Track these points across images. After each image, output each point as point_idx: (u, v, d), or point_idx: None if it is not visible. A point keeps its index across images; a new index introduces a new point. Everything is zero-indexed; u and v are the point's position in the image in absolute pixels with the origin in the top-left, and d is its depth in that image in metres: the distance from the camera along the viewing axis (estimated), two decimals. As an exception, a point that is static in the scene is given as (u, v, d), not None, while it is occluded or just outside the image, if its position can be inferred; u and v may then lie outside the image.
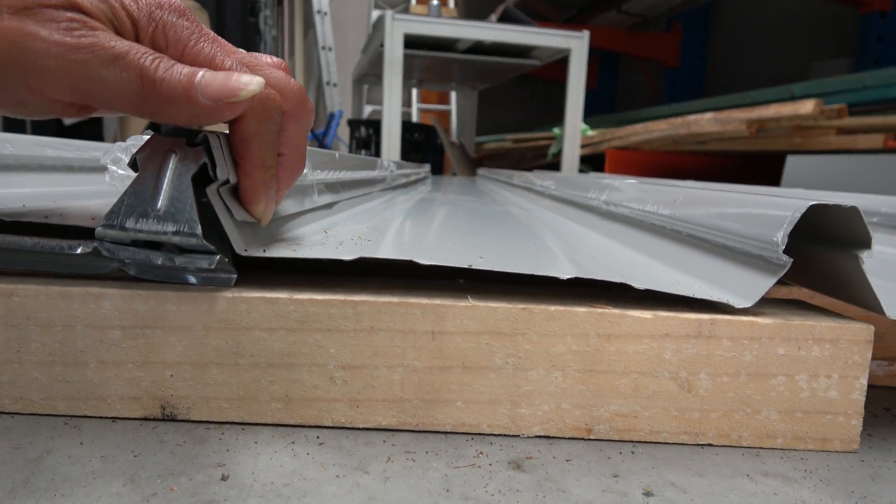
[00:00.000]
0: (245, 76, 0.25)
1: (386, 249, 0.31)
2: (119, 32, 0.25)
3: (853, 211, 0.26)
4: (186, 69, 0.25)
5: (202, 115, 0.25)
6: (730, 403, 0.27)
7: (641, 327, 0.26)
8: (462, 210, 0.65)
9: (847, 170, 1.25)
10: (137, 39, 0.25)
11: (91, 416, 0.27)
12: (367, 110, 3.31)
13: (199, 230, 0.25)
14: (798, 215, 0.26)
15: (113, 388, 0.27)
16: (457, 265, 0.28)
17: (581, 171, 2.05)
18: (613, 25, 3.73)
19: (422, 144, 2.62)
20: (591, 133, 2.23)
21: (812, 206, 0.26)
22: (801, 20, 2.78)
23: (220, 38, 0.27)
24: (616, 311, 0.26)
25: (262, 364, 0.26)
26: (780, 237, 0.26)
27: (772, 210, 0.28)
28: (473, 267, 0.28)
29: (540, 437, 0.27)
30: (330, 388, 0.27)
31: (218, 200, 0.27)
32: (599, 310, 0.26)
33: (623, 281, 0.27)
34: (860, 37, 2.22)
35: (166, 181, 0.26)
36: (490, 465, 0.25)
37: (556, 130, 2.25)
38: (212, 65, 0.26)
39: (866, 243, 0.26)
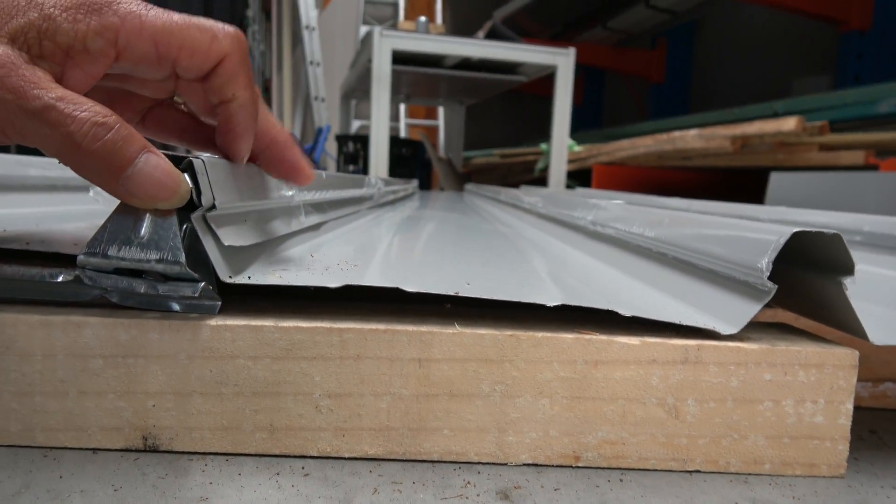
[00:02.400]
0: (182, 180, 0.25)
1: (372, 275, 0.30)
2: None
3: (836, 238, 0.26)
4: (126, 145, 0.23)
5: (119, 196, 0.25)
6: (717, 429, 0.27)
7: (629, 353, 0.26)
8: (449, 229, 0.65)
9: (830, 186, 1.26)
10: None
11: (71, 448, 0.26)
12: (356, 125, 3.32)
13: (182, 258, 0.25)
14: (783, 241, 0.27)
15: (93, 419, 0.26)
16: (443, 292, 0.28)
17: (568, 186, 2.06)
18: (599, 42, 3.78)
19: (410, 159, 2.63)
20: (577, 148, 2.25)
21: (795, 233, 0.26)
22: (782, 38, 2.83)
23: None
24: (603, 337, 0.26)
25: (246, 393, 0.26)
26: (765, 264, 0.26)
27: (756, 234, 0.29)
28: (460, 294, 0.28)
29: (528, 465, 0.27)
30: (315, 416, 0.26)
31: (203, 227, 0.27)
32: (587, 336, 0.26)
33: (610, 308, 0.27)
34: (840, 54, 2.26)
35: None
36: (478, 495, 0.24)
37: (543, 146, 2.26)
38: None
39: (849, 269, 0.26)
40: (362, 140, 2.50)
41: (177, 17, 0.26)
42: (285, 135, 0.31)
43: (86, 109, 0.23)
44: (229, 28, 0.27)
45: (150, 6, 0.25)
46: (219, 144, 0.29)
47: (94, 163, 0.23)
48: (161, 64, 0.26)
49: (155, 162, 0.24)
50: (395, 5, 3.64)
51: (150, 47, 0.25)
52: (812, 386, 0.27)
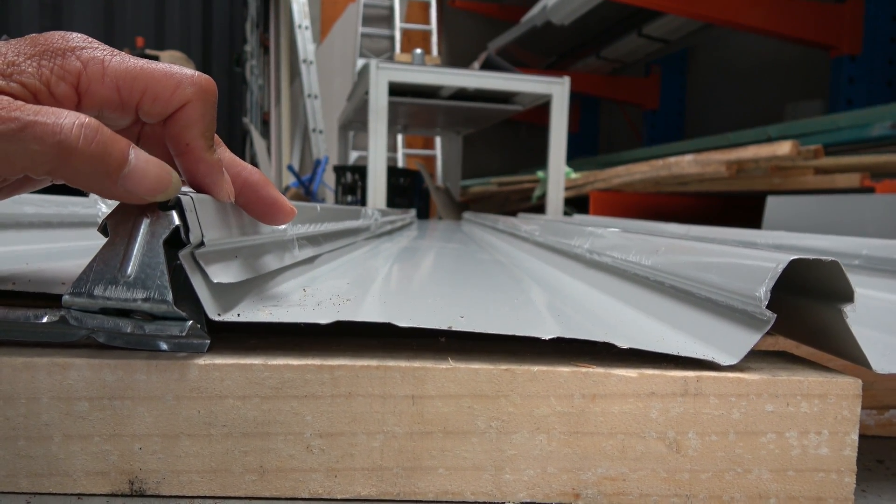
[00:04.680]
0: (173, 173, 0.25)
1: (365, 309, 0.30)
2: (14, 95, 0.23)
3: (834, 265, 0.26)
4: (115, 144, 0.23)
5: (118, 198, 0.24)
6: (720, 463, 0.26)
7: (627, 386, 0.26)
8: (446, 260, 0.65)
9: (826, 209, 1.26)
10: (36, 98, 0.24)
11: (55, 493, 0.25)
12: (353, 156, 3.34)
13: (169, 297, 0.24)
14: (781, 269, 0.26)
15: (79, 463, 0.25)
16: (436, 327, 0.27)
17: (566, 213, 2.07)
18: (593, 71, 3.82)
19: (408, 189, 2.64)
20: (574, 176, 2.26)
21: (793, 261, 0.26)
22: (773, 64, 2.87)
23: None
24: (600, 370, 0.26)
25: (235, 434, 0.25)
26: (763, 292, 0.26)
27: (753, 262, 0.28)
28: (454, 329, 0.27)
29: (526, 503, 0.26)
30: (306, 457, 0.26)
31: (192, 264, 0.26)
32: (583, 369, 0.26)
33: (607, 340, 0.27)
34: (832, 79, 2.28)
35: (136, 246, 0.25)
36: (474, 537, 0.23)
37: (540, 174, 2.27)
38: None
39: (849, 297, 0.26)
40: (360, 171, 2.51)
41: (142, 63, 0.26)
42: (258, 175, 0.30)
43: (66, 115, 0.23)
44: (198, 77, 0.27)
45: (115, 52, 0.26)
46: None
47: (92, 165, 0.23)
48: (124, 109, 0.26)
49: (144, 156, 0.24)
50: (392, 38, 3.70)
51: (113, 92, 0.25)
52: (815, 417, 0.26)
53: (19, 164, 0.23)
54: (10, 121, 0.22)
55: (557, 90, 1.94)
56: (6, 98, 0.23)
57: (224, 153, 0.29)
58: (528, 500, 0.26)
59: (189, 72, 0.26)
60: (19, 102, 0.23)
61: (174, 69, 0.26)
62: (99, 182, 0.24)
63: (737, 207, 2.10)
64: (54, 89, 0.24)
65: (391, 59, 2.72)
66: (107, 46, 0.26)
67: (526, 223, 0.99)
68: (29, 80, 0.24)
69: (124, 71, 0.25)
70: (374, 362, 0.26)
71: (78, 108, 0.25)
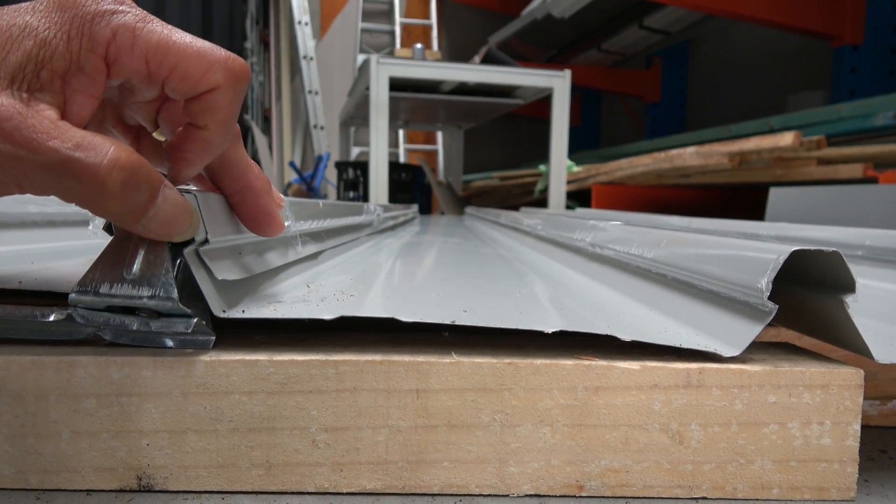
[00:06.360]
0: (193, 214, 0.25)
1: (369, 305, 0.30)
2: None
3: (835, 255, 0.26)
4: (149, 184, 0.23)
5: (136, 233, 0.25)
6: (723, 454, 0.26)
7: (629, 379, 0.26)
8: (448, 255, 0.65)
9: (829, 200, 1.26)
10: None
11: (64, 490, 0.26)
12: (355, 152, 3.34)
13: (174, 294, 0.25)
14: (782, 260, 0.26)
15: (87, 460, 0.26)
16: (440, 321, 0.27)
17: (568, 206, 2.06)
18: (594, 64, 3.81)
19: (409, 184, 2.64)
20: (576, 169, 2.25)
21: (794, 252, 0.26)
22: (775, 55, 2.86)
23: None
24: (603, 362, 0.26)
25: (241, 429, 0.26)
26: (765, 283, 0.26)
27: (755, 253, 0.28)
28: (457, 323, 0.27)
29: (530, 495, 0.26)
30: (312, 451, 0.26)
31: (196, 261, 0.26)
32: (586, 362, 0.26)
33: (609, 333, 0.27)
34: (834, 69, 2.27)
35: (142, 244, 0.25)
36: (479, 529, 0.24)
37: (542, 167, 2.27)
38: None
39: (850, 287, 0.26)
40: (362, 166, 2.51)
41: (176, 37, 0.24)
42: (262, 181, 0.29)
43: (105, 154, 0.22)
44: (231, 62, 0.25)
45: (147, 18, 0.24)
46: (166, 160, 0.27)
47: (120, 207, 0.23)
48: (151, 81, 0.25)
49: (172, 198, 0.24)
50: (392, 33, 3.69)
51: (141, 64, 0.24)
52: (818, 407, 0.26)
53: (49, 192, 0.22)
54: (49, 152, 0.21)
55: (558, 83, 1.93)
56: (46, 118, 0.22)
57: (238, 150, 0.28)
58: (533, 493, 0.26)
59: (223, 54, 0.25)
60: (60, 126, 0.22)
61: (208, 49, 0.25)
62: (120, 219, 0.24)
63: (739, 199, 2.10)
64: (84, 64, 0.23)
65: (391, 54, 2.71)
66: (139, 10, 0.24)
67: (528, 217, 0.99)
68: (59, 64, 0.22)
69: (156, 44, 0.24)
70: (378, 357, 0.26)
71: (107, 78, 0.24)
